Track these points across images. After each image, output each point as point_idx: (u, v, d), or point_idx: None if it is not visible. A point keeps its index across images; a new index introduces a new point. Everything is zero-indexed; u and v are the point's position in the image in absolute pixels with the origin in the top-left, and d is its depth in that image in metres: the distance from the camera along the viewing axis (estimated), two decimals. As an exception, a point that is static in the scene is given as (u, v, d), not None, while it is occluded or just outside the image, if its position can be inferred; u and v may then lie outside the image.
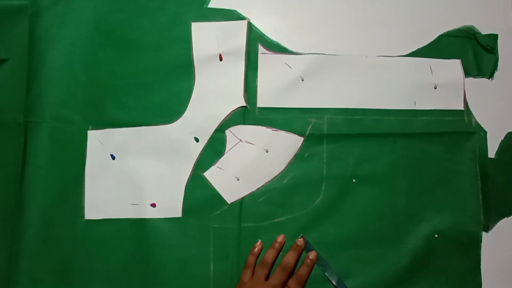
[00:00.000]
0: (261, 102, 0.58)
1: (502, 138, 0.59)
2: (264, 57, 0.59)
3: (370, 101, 0.58)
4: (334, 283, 0.55)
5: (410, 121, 0.58)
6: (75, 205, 0.57)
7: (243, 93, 0.58)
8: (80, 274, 0.55)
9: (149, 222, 0.56)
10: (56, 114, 0.58)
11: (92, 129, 0.58)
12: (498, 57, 0.60)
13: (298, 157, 0.57)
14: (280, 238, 0.55)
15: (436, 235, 0.56)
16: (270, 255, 0.54)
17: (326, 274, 0.55)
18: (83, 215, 0.57)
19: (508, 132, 0.59)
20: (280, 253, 0.56)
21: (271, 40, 0.59)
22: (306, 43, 0.59)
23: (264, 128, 0.58)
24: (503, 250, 0.57)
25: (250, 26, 0.59)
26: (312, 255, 0.55)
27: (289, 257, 0.54)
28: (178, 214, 0.57)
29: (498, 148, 0.59)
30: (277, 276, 0.52)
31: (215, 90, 0.58)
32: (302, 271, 0.54)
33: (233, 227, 0.56)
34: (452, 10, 0.61)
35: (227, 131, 0.58)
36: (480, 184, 0.58)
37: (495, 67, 0.60)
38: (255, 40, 0.59)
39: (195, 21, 0.59)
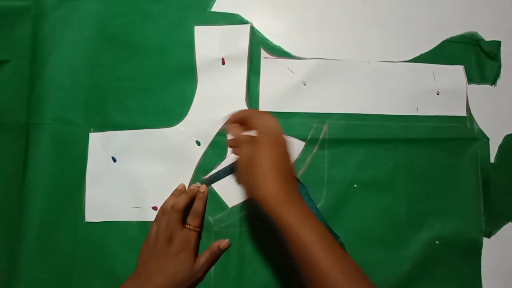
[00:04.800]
0: (263, 106, 0.58)
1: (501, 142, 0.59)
2: (267, 61, 0.59)
3: (372, 106, 0.58)
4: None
5: (412, 127, 0.58)
6: (76, 207, 0.57)
7: (245, 97, 0.58)
8: (80, 277, 0.55)
9: (151, 225, 0.56)
10: (58, 116, 0.58)
11: (94, 131, 0.58)
12: (501, 64, 0.60)
13: (299, 162, 0.57)
14: (180, 187, 0.56)
15: (437, 242, 0.56)
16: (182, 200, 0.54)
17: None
18: (83, 217, 0.57)
19: (506, 135, 0.59)
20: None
21: (274, 45, 0.59)
22: (309, 47, 0.59)
23: (265, 132, 0.57)
24: (504, 254, 0.57)
25: (252, 30, 0.59)
26: (202, 188, 0.55)
27: (197, 204, 0.54)
28: (179, 217, 0.56)
29: (497, 151, 0.58)
30: (191, 222, 0.54)
31: (217, 94, 0.58)
32: (197, 205, 0.54)
33: (234, 231, 0.56)
34: (455, 15, 0.61)
35: (228, 135, 0.58)
36: (482, 190, 0.57)
37: (498, 74, 0.60)
38: (258, 44, 0.59)
39: (198, 25, 0.59)
